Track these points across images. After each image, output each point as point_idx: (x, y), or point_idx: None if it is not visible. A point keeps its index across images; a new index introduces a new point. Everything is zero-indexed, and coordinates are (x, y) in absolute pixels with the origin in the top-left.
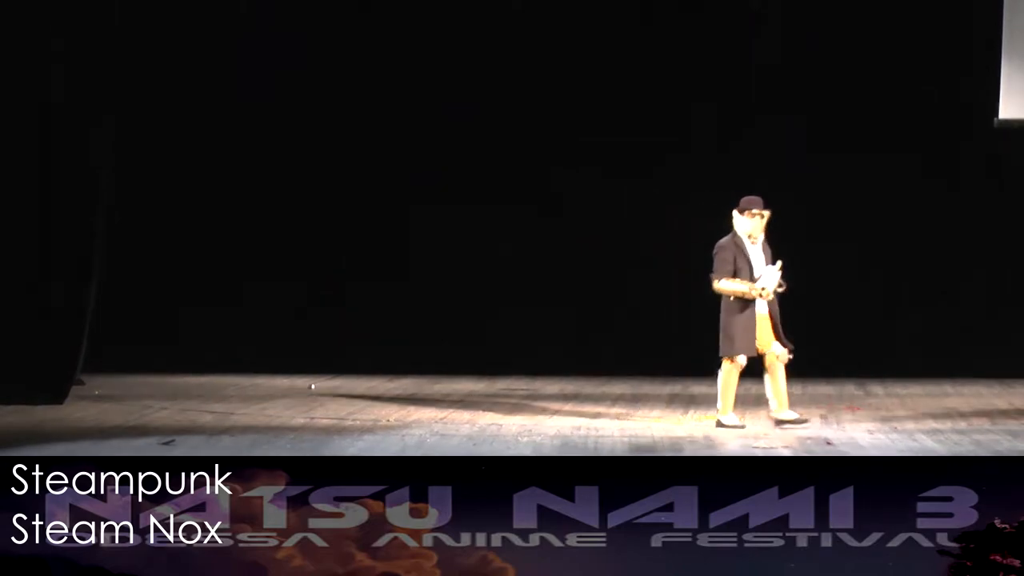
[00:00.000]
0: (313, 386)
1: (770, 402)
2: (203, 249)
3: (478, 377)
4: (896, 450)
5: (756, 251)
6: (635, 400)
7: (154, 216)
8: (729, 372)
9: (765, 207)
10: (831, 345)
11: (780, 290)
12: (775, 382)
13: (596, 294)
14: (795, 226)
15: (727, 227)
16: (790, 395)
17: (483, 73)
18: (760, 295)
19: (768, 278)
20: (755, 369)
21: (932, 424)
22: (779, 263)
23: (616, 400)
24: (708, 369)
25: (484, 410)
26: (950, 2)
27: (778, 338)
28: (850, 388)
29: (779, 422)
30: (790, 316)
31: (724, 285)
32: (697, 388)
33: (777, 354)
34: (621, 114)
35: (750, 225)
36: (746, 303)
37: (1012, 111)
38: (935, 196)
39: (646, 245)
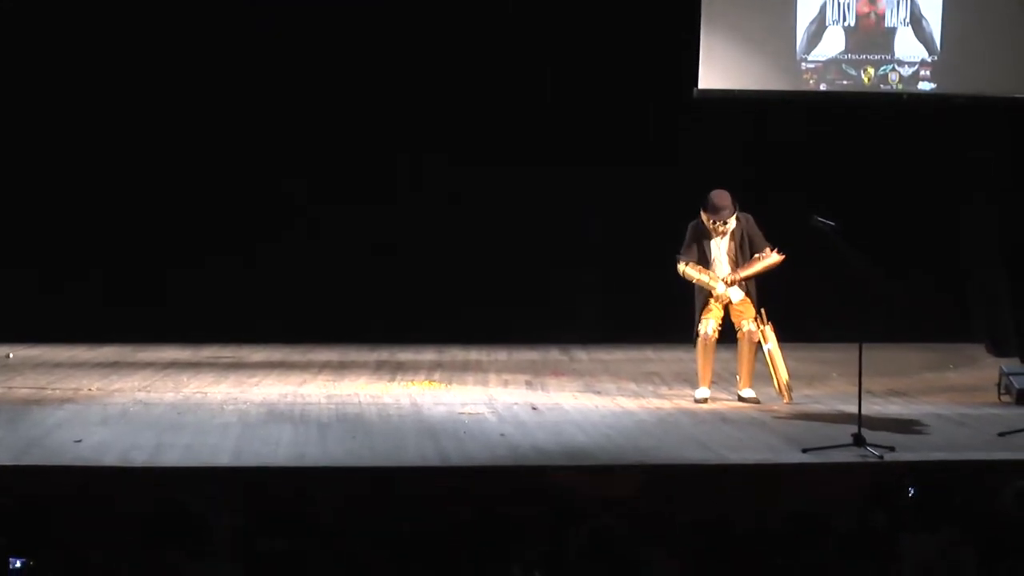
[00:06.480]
0: (11, 355)
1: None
2: None
3: (183, 345)
4: (599, 415)
5: (721, 242)
6: (342, 367)
7: None
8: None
9: (718, 211)
10: (536, 311)
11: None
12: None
13: (298, 261)
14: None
15: None
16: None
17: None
18: (717, 296)
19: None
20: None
21: (633, 387)
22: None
23: (322, 367)
24: (413, 337)
25: (189, 378)
26: None
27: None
28: (555, 354)
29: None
30: (498, 282)
31: (685, 271)
32: (404, 355)
33: (748, 330)
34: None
35: (706, 222)
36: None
37: (710, 82)
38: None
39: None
